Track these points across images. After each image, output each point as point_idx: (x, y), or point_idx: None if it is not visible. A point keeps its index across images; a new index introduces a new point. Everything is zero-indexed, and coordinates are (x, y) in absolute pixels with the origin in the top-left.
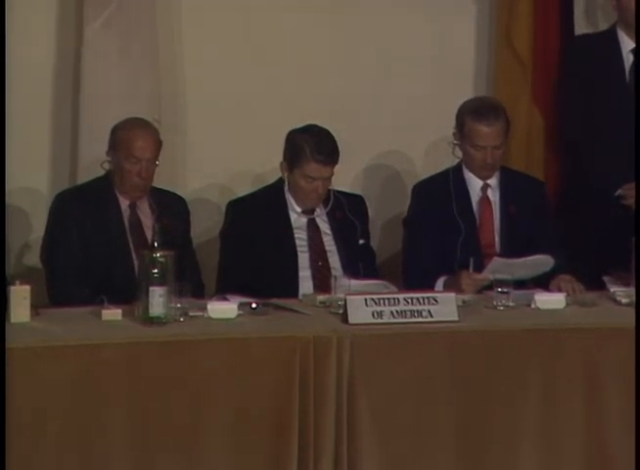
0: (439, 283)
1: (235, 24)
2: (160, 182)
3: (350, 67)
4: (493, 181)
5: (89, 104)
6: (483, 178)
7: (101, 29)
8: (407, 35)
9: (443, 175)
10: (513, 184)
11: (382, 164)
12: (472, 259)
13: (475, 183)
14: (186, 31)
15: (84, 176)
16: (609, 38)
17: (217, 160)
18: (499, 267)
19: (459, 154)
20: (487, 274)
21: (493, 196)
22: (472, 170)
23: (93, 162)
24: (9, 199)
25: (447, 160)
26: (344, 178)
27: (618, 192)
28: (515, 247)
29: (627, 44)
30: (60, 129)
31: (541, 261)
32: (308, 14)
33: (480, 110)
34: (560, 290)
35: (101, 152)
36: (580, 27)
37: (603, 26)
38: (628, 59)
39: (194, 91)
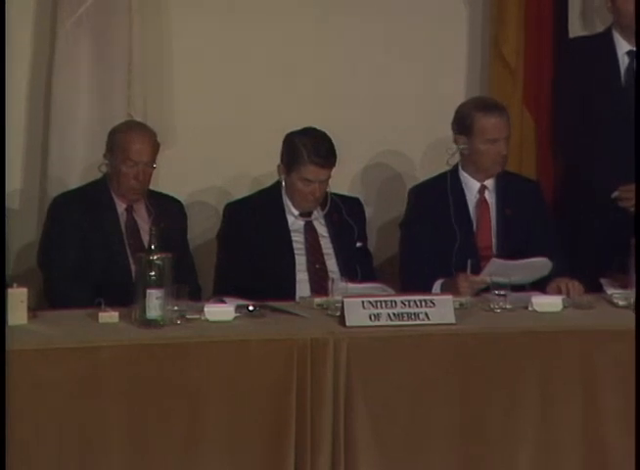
0: (437, 285)
1: (230, 25)
2: (157, 185)
3: (346, 71)
4: (490, 183)
5: (59, 103)
6: (489, 176)
7: (73, 29)
8: (401, 40)
9: (440, 178)
10: (509, 186)
11: (378, 167)
12: (469, 262)
13: (472, 185)
14: (177, 33)
15: (54, 176)
16: (604, 40)
17: (215, 162)
18: (497, 269)
19: (453, 161)
20: (485, 276)
21: (490, 198)
22: (483, 168)
23: (61, 161)
24: None
25: (442, 161)
26: (342, 181)
27: (615, 194)
28: (512, 249)
29: (623, 46)
30: (33, 128)
31: (539, 264)
32: (305, 16)
33: (486, 103)
34: (559, 292)
35: (70, 151)
36: (576, 30)
37: (599, 29)
38: (624, 61)
39: (191, 94)
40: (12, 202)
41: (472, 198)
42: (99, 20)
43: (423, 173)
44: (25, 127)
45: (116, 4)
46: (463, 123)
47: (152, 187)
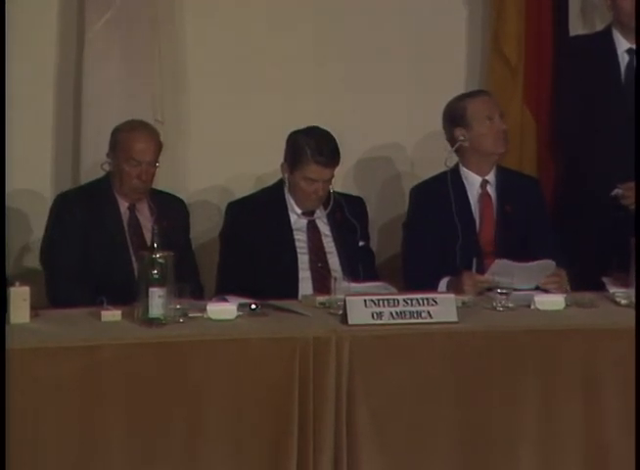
0: (442, 284)
1: (236, 26)
2: (160, 184)
3: (345, 69)
4: (491, 177)
5: (91, 105)
6: (494, 161)
7: (102, 31)
8: (401, 37)
9: (441, 176)
10: (509, 182)
11: (377, 166)
12: (475, 260)
13: (474, 180)
14: (188, 33)
15: (86, 178)
16: (604, 38)
17: (218, 161)
18: (501, 269)
19: (451, 163)
20: (489, 276)
21: (492, 192)
22: (487, 151)
23: (95, 163)
24: (10, 201)
25: (441, 161)
26: (344, 180)
27: (615, 192)
28: (512, 245)
29: (623, 44)
30: (62, 131)
31: (544, 266)
32: (302, 14)
33: (469, 92)
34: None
35: (103, 154)
36: (576, 28)
37: (599, 27)
38: (624, 59)
39: (194, 93)
40: (40, 205)
41: (474, 193)
42: (125, 22)
43: (423, 173)
44: (56, 131)
45: (138, 7)
46: (455, 116)
47: (154, 186)
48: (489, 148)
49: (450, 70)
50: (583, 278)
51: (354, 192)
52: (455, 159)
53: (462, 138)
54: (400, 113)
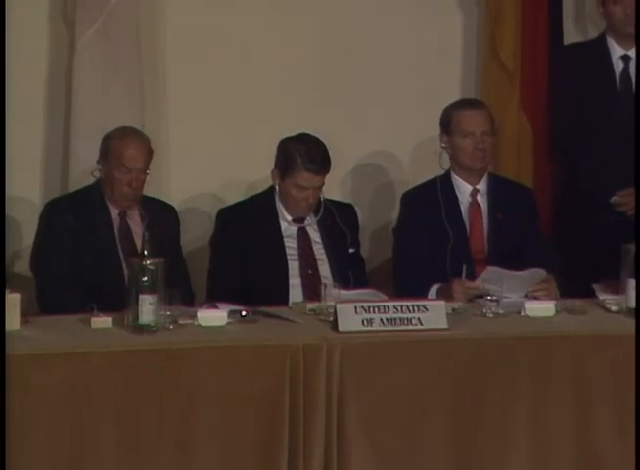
0: (433, 291)
1: (223, 31)
2: (151, 190)
3: (339, 74)
4: (482, 186)
5: (81, 113)
6: (477, 175)
7: (92, 41)
8: (395, 43)
9: (432, 183)
10: (501, 191)
11: (371, 172)
12: (465, 267)
13: (464, 189)
14: (173, 41)
15: (75, 186)
16: (599, 46)
17: (209, 168)
18: (492, 276)
19: (445, 165)
20: (480, 283)
21: (482, 201)
22: (464, 165)
23: (85, 170)
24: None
25: (434, 168)
26: (335, 188)
27: (614, 199)
28: (503, 254)
29: (617, 51)
30: (52, 138)
31: (534, 275)
32: (294, 19)
33: (464, 100)
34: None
35: (92, 161)
36: (570, 35)
37: (592, 33)
38: (618, 65)
39: (185, 100)
40: (30, 212)
41: (464, 201)
42: (114, 33)
43: (417, 179)
44: (46, 138)
45: (125, 17)
46: (444, 123)
47: (145, 193)
48: (465, 162)
49: (446, 76)
50: (578, 284)
51: (349, 199)
52: (448, 162)
53: (444, 145)
54: (395, 118)
